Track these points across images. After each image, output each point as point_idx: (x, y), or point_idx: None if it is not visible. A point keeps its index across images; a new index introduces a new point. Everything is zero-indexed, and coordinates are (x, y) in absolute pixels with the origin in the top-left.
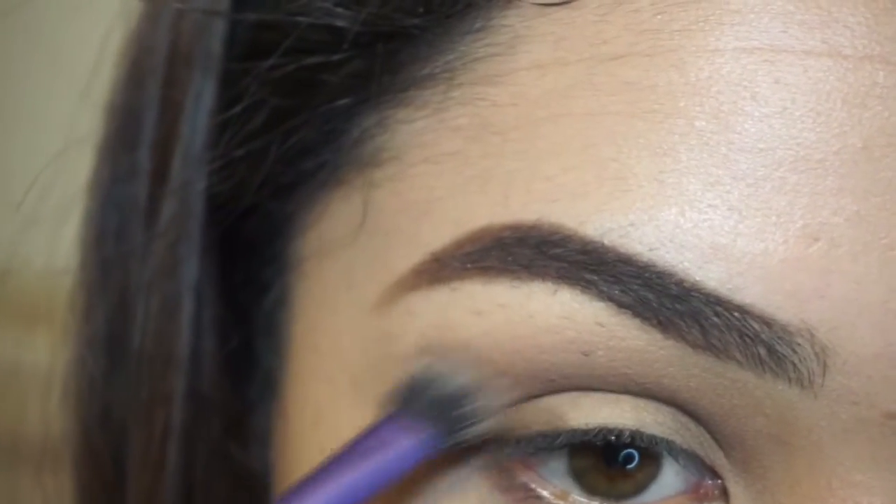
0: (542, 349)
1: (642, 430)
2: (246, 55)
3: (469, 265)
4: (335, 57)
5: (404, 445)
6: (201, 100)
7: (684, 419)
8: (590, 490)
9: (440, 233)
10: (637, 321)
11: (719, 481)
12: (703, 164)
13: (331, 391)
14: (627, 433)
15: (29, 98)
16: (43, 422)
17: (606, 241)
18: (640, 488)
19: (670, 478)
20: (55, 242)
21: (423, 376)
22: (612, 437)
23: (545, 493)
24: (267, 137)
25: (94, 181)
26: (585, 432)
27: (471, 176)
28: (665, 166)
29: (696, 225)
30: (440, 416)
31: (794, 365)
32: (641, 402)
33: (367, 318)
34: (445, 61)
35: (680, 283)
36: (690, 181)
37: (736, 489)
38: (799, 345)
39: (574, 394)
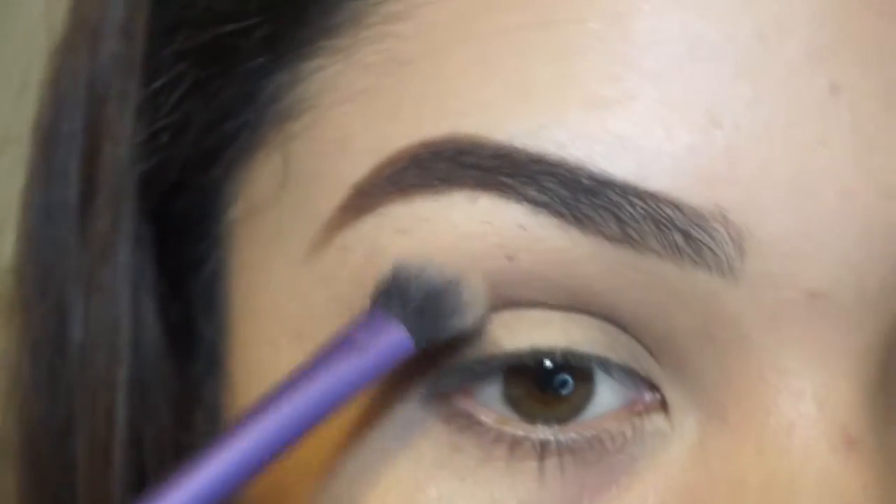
0: (468, 258)
1: (574, 348)
2: (163, 31)
3: (390, 188)
4: (244, 23)
5: (382, 346)
6: (128, 89)
7: (614, 332)
8: (528, 416)
9: (359, 164)
10: (555, 220)
11: (657, 394)
12: (601, 63)
13: (273, 352)
14: (559, 352)
15: None
16: None
17: (517, 144)
18: (578, 410)
19: (607, 396)
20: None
21: (398, 276)
22: (545, 359)
23: (487, 420)
24: (188, 105)
25: (29, 180)
26: (519, 355)
27: (383, 107)
28: (566, 69)
29: (601, 120)
30: (420, 316)
31: (712, 251)
32: (572, 318)
33: (301, 269)
34: (351, 8)
35: (591, 176)
36: (591, 80)
37: (674, 396)
38: (715, 229)
39: (505, 316)
